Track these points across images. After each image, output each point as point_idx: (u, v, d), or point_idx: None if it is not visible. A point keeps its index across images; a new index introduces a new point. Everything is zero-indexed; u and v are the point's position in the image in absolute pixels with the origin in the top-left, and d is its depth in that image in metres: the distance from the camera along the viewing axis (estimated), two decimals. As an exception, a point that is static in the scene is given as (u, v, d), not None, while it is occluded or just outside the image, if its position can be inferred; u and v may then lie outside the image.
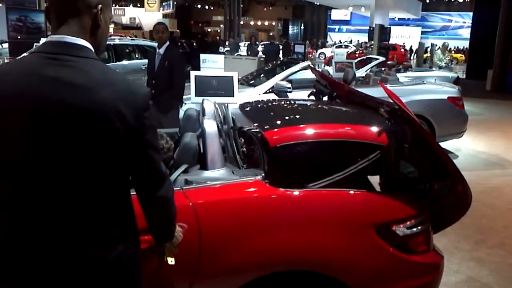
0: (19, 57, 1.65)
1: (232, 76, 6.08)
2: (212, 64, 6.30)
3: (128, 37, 19.95)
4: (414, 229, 2.44)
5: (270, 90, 6.84)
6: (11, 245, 1.48)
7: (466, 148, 8.38)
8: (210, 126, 2.74)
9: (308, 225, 2.33)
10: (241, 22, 46.82)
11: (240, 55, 23.30)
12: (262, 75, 8.17)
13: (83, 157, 1.46)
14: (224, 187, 2.36)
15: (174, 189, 2.26)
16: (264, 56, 15.10)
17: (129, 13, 53.43)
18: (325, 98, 3.90)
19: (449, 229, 2.95)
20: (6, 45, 17.83)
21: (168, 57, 5.81)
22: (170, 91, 5.81)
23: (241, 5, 45.20)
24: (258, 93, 6.80)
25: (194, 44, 18.00)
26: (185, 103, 6.03)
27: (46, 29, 19.52)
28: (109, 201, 1.55)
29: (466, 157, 7.90)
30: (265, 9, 57.42)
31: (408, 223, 2.43)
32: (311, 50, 25.34)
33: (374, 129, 2.71)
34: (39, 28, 18.59)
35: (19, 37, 16.89)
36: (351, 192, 2.46)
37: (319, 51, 29.58)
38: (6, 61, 12.88)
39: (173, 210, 1.78)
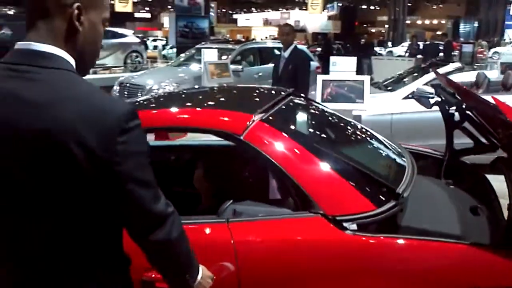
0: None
1: (363, 80, 5.55)
2: (342, 67, 5.78)
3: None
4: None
5: (410, 96, 6.09)
6: None
7: None
8: None
9: (380, 282, 1.78)
10: (408, 22, 44.64)
11: (402, 55, 22.14)
12: (406, 78, 7.39)
13: (34, 188, 1.20)
14: (276, 223, 1.93)
15: (221, 220, 1.91)
16: (422, 56, 13.94)
17: (294, 16, 54.44)
18: (452, 109, 3.18)
19: None
20: (175, 50, 19.25)
21: (292, 60, 5.48)
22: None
23: (409, 4, 43.09)
24: (395, 99, 6.10)
25: (348, 45, 17.46)
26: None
27: (209, 33, 20.67)
28: (74, 241, 1.27)
29: None
30: (434, 6, 54.07)
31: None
32: (482, 50, 22.93)
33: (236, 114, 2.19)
34: (203, 33, 19.80)
35: (185, 42, 18.04)
36: (447, 242, 1.85)
37: (492, 50, 26.70)
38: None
39: (183, 255, 1.43)
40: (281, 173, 1.96)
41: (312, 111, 2.99)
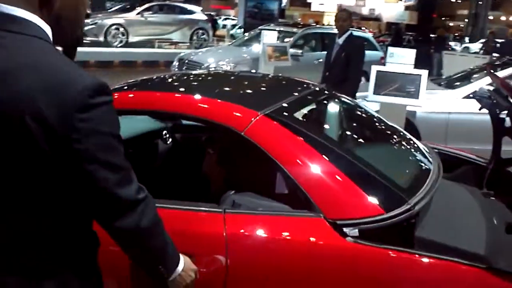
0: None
1: (420, 75, 5.20)
2: (400, 59, 5.44)
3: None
4: None
5: (471, 95, 5.69)
6: None
7: None
8: None
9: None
10: (490, 17, 42.29)
11: (477, 52, 21.09)
12: (474, 76, 6.91)
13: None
14: (273, 220, 1.80)
15: (218, 210, 1.81)
16: (498, 54, 13.11)
17: (370, 4, 52.85)
18: (504, 114, 2.87)
19: None
20: (242, 30, 19.21)
21: (346, 48, 5.25)
22: (343, 86, 5.22)
23: (494, -2, 40.76)
24: (455, 98, 5.73)
25: (420, 38, 16.73)
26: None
27: (278, 15, 20.43)
28: (32, 226, 1.19)
29: None
30: (523, 3, 50.88)
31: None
32: None
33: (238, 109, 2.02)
34: (272, 14, 19.64)
35: (253, 22, 17.95)
36: (460, 263, 1.64)
37: None
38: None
39: (156, 245, 1.34)
40: (282, 171, 1.83)
41: (333, 106, 2.79)
